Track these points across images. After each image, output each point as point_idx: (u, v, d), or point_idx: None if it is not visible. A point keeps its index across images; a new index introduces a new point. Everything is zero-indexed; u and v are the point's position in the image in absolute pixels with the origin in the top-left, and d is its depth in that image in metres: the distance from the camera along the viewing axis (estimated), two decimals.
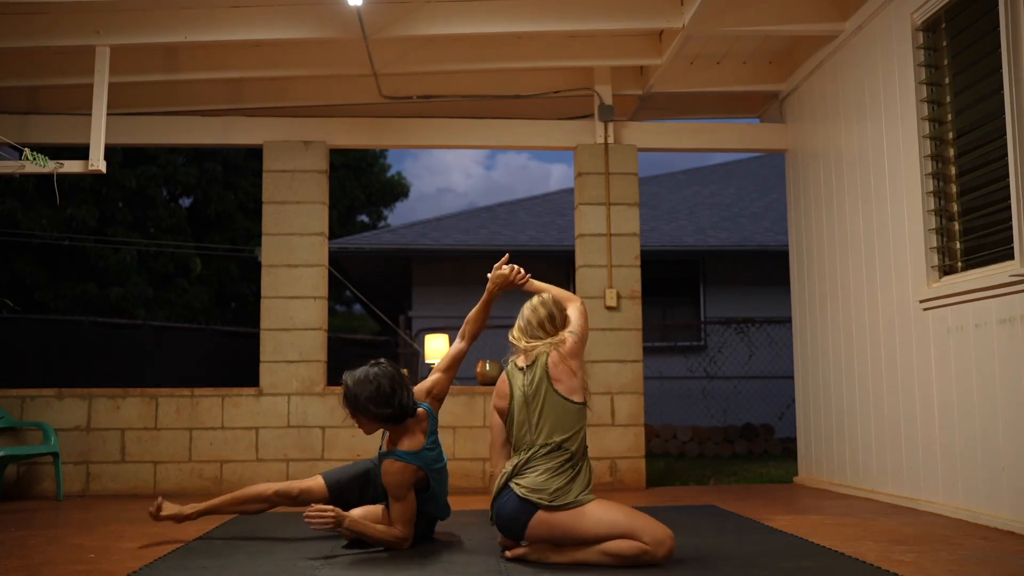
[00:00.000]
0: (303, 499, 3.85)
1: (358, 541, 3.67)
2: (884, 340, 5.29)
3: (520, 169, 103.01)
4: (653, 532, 3.27)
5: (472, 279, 12.55)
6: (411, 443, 3.65)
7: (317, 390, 6.32)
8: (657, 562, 3.24)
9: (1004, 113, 4.13)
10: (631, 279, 6.57)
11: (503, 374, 3.61)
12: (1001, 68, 4.15)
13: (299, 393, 6.31)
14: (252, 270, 18.70)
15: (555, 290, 3.87)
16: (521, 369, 3.53)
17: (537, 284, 3.93)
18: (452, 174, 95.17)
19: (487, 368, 6.52)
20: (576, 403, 3.45)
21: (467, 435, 6.34)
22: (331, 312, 21.46)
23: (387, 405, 3.56)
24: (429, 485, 3.73)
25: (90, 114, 5.48)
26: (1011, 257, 4.14)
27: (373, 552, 3.64)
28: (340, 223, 21.11)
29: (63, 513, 5.18)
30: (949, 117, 4.75)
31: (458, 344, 4.04)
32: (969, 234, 4.58)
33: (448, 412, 6.25)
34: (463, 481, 6.26)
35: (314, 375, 6.32)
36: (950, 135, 4.74)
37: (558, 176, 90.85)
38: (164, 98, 6.72)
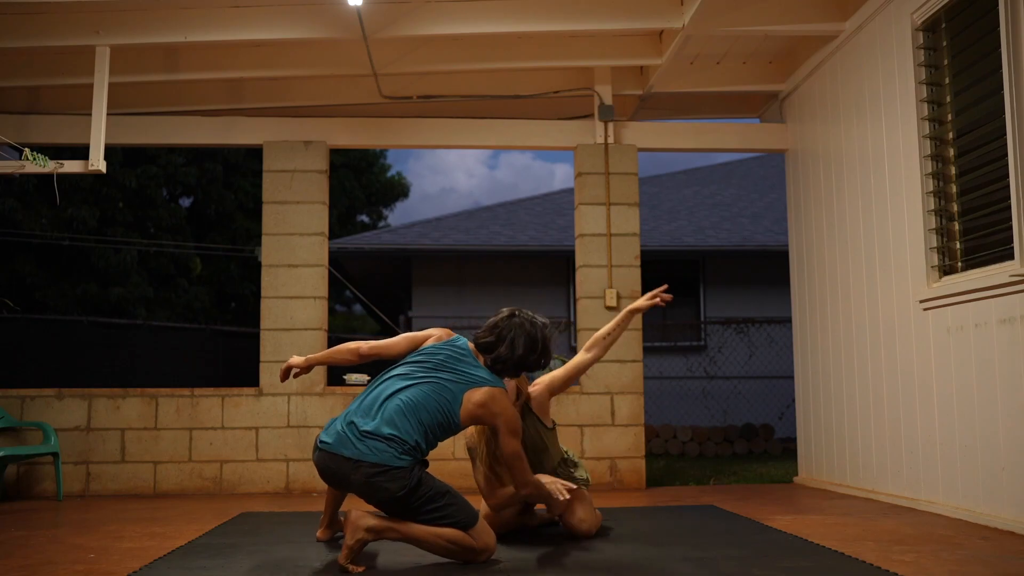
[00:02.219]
0: None
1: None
2: (884, 340, 5.29)
3: (524, 168, 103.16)
4: None
5: (472, 279, 12.64)
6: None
7: (317, 390, 6.32)
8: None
9: (1004, 113, 4.12)
10: (631, 279, 6.57)
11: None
12: (1001, 68, 4.15)
13: (299, 393, 6.31)
14: (252, 270, 18.71)
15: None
16: None
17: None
18: (455, 174, 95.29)
19: None
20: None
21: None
22: (331, 312, 21.46)
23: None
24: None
25: (90, 114, 5.48)
26: (1011, 257, 4.14)
27: (373, 551, 3.63)
28: (340, 223, 21.12)
29: (63, 513, 5.18)
30: (949, 117, 4.74)
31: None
32: (969, 234, 4.58)
33: None
34: (464, 481, 6.25)
35: (314, 375, 6.32)
36: (950, 135, 4.74)
37: (562, 175, 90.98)
38: (164, 98, 6.72)
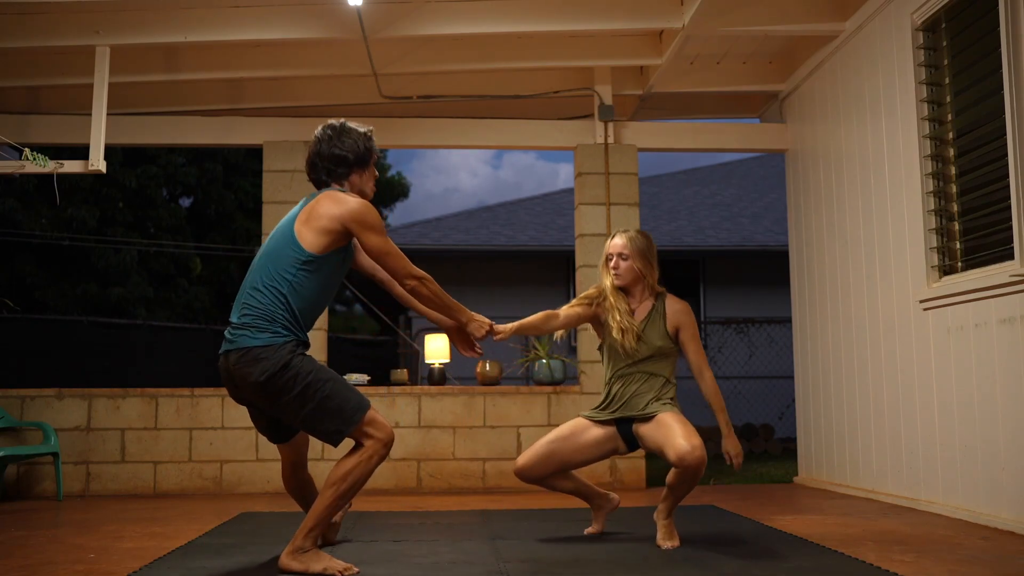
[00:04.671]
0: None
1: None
2: (884, 340, 5.29)
3: (527, 168, 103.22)
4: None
5: (472, 279, 12.63)
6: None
7: None
8: None
9: (1004, 113, 4.12)
10: None
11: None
12: (1001, 68, 4.15)
13: None
14: None
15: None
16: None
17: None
18: (459, 174, 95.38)
19: (487, 368, 6.51)
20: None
21: (467, 435, 6.33)
22: (331, 312, 21.42)
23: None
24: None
25: (90, 114, 5.48)
26: (1011, 257, 4.14)
27: (373, 552, 3.64)
28: None
29: (63, 513, 5.18)
30: (949, 117, 4.74)
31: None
32: (969, 234, 4.58)
33: (448, 412, 6.25)
34: (463, 481, 6.25)
35: None
36: (950, 135, 4.74)
37: (565, 175, 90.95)
38: (164, 98, 6.72)
